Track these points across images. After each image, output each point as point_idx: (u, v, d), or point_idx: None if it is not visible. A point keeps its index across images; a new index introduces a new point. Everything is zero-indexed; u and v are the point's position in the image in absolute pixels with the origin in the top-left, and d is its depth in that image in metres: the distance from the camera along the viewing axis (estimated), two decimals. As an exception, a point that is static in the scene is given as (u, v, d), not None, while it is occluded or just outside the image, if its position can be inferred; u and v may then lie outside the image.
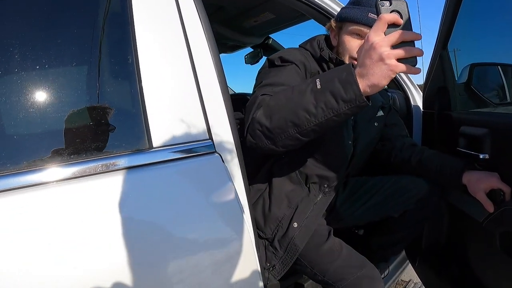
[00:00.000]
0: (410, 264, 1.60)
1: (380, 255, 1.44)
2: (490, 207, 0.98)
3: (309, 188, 1.15)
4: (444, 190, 1.24)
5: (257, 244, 0.87)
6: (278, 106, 0.83)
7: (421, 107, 1.59)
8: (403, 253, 1.62)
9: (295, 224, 1.08)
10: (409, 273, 1.64)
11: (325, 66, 1.13)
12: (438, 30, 1.25)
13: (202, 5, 0.87)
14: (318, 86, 0.78)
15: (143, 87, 0.76)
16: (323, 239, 1.13)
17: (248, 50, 2.77)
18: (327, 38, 1.22)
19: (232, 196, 0.80)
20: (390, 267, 1.59)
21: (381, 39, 0.69)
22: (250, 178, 1.11)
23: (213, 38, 0.86)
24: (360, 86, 0.72)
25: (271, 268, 1.09)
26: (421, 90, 1.69)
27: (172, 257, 0.73)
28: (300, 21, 2.07)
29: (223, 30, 2.28)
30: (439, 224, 1.38)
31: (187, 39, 0.82)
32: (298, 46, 1.22)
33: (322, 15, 1.35)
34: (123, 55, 0.78)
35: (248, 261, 0.81)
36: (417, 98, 1.69)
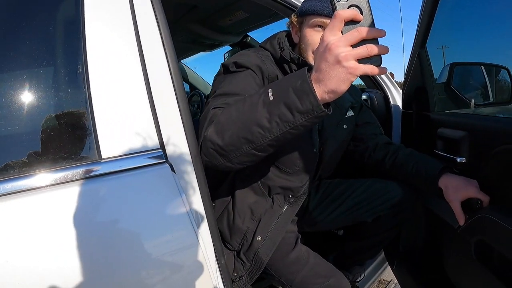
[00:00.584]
0: (390, 265, 1.57)
1: (355, 259, 1.41)
2: (461, 219, 0.95)
3: (272, 199, 1.09)
4: (421, 194, 1.21)
5: (223, 254, 0.84)
6: (229, 122, 0.75)
7: (400, 107, 1.55)
8: (383, 254, 1.59)
9: (259, 238, 1.04)
10: (391, 273, 1.61)
11: (286, 67, 1.06)
12: (416, 28, 1.20)
13: (161, 7, 0.81)
14: (271, 98, 0.70)
15: (92, 95, 0.70)
16: (290, 248, 1.10)
17: (228, 48, 2.72)
18: (289, 35, 1.13)
19: (181, 208, 0.74)
20: (368, 269, 1.57)
21: (337, 38, 0.60)
22: (214, 189, 1.07)
23: (170, 41, 0.79)
24: (317, 94, 0.64)
25: (237, 279, 1.05)
26: (400, 90, 1.65)
27: (120, 274, 0.68)
28: (275, 20, 2.03)
29: (199, 29, 2.23)
30: (416, 228, 1.35)
31: (140, 43, 0.76)
32: (259, 45, 1.15)
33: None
34: (71, 61, 0.73)
35: (200, 275, 0.76)
36: (397, 98, 1.65)
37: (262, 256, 1.03)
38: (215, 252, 0.81)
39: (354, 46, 0.60)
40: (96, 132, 0.70)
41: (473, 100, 1.27)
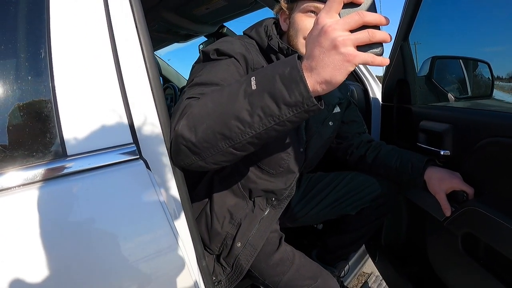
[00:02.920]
0: (371, 257, 1.58)
1: (339, 254, 1.39)
2: (448, 210, 0.94)
3: (254, 202, 1.02)
4: (403, 187, 1.21)
5: (204, 256, 0.79)
6: (203, 114, 0.66)
7: (380, 100, 1.55)
8: (363, 247, 1.59)
9: (239, 244, 0.98)
10: (371, 265, 1.63)
11: (273, 58, 0.98)
12: (399, 20, 1.19)
13: None
14: (254, 87, 0.60)
15: (55, 84, 0.62)
16: (273, 248, 1.05)
17: (204, 39, 2.63)
18: (276, 24, 1.06)
19: (158, 208, 0.67)
20: (350, 262, 1.57)
21: (334, 21, 0.53)
22: (191, 189, 1.00)
23: (145, 26, 0.72)
24: (308, 85, 0.55)
25: (216, 283, 1.00)
26: (380, 82, 1.65)
27: (92, 280, 0.62)
28: (255, 9, 1.96)
29: (174, 18, 2.13)
30: (398, 221, 1.35)
31: (111, 27, 0.68)
32: (242, 33, 1.06)
33: (276, 1, 1.23)
34: (33, 48, 0.64)
35: (181, 279, 0.71)
36: (376, 91, 1.65)
37: (243, 262, 0.97)
38: (196, 254, 0.76)
39: (352, 31, 0.53)
40: (61, 126, 0.62)
41: (449, 94, 1.27)
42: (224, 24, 2.35)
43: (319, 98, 0.60)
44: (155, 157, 0.71)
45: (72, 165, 0.62)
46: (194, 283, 0.74)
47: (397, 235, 1.38)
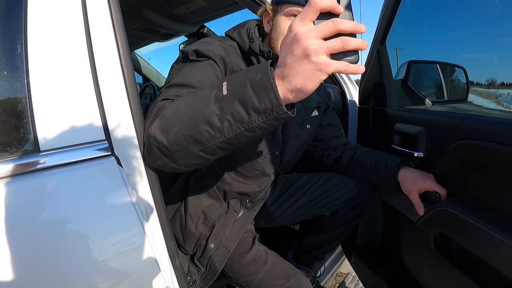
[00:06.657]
0: (347, 258, 1.59)
1: (315, 254, 1.40)
2: (420, 209, 0.96)
3: (228, 204, 1.02)
4: (378, 188, 1.23)
5: (178, 255, 0.80)
6: (175, 117, 0.65)
7: (357, 103, 1.57)
8: (340, 247, 1.61)
9: (212, 245, 0.98)
10: (348, 266, 1.64)
11: (254, 60, 0.98)
12: (377, 24, 1.21)
13: None
14: (225, 92, 0.60)
15: (30, 79, 0.62)
16: (246, 248, 1.05)
17: (184, 39, 2.62)
18: (259, 26, 1.06)
19: (129, 205, 0.68)
20: (327, 263, 1.58)
21: (307, 29, 0.52)
22: (167, 189, 0.99)
23: (121, 22, 0.71)
24: (279, 92, 0.55)
25: (191, 283, 0.99)
26: (357, 85, 1.68)
27: (61, 280, 0.62)
28: (235, 10, 1.97)
29: (154, 17, 2.12)
30: (373, 222, 1.38)
31: (88, 23, 0.68)
32: (224, 34, 1.06)
33: (256, 3, 1.23)
34: (9, 43, 0.63)
35: (153, 278, 0.72)
36: (353, 93, 1.68)
37: (216, 263, 0.98)
38: (168, 253, 0.77)
39: (327, 39, 0.52)
40: (34, 122, 0.62)
41: (426, 100, 1.31)
42: (205, 24, 2.35)
43: (292, 105, 0.60)
44: (127, 155, 0.70)
45: (45, 161, 0.62)
46: (167, 282, 0.74)
47: (373, 235, 1.40)
